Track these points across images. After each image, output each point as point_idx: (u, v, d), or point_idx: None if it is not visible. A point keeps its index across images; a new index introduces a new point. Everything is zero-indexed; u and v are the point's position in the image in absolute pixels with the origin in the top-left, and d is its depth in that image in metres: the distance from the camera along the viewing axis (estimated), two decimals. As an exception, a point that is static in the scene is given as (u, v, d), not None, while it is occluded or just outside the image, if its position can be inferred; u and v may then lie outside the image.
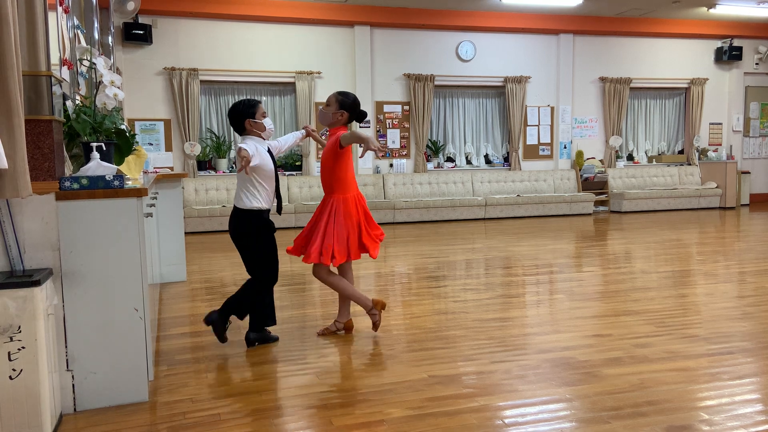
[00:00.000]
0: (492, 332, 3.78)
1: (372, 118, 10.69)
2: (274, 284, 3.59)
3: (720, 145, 12.43)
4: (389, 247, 7.79)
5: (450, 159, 11.37)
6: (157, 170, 7.20)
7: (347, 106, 3.64)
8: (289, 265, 6.47)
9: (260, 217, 3.46)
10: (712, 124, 12.45)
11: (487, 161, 11.54)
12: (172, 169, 9.74)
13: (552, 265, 6.19)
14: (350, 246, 3.56)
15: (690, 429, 2.41)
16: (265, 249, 3.47)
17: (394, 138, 10.88)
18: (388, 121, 10.84)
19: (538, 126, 11.57)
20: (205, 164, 10.09)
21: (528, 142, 11.54)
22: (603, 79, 11.67)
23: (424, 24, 10.57)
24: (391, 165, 10.88)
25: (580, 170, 11.55)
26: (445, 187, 10.86)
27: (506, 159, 11.56)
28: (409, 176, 10.76)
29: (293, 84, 10.30)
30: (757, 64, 12.37)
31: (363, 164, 10.67)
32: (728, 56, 11.97)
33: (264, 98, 10.43)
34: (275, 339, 3.68)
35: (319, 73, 10.34)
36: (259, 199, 3.44)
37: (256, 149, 3.37)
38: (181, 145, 9.80)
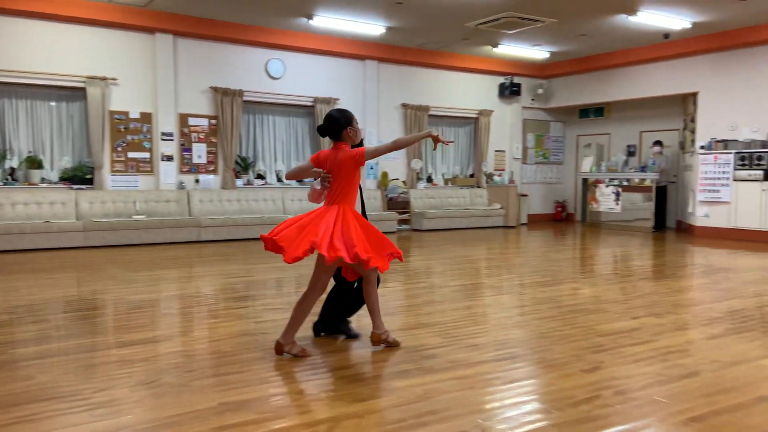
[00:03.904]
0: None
1: (175, 131, 10.16)
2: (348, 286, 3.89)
3: (503, 170, 13.88)
4: (194, 266, 7.43)
5: (260, 176, 11.22)
6: None
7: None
8: (77, 289, 5.84)
9: None
10: (497, 151, 13.87)
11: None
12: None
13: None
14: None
15: (465, 434, 2.59)
16: None
17: (200, 153, 10.44)
18: (193, 134, 10.39)
19: (346, 146, 11.89)
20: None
21: (337, 162, 11.80)
22: (405, 106, 12.41)
23: (232, 38, 10.36)
24: (197, 181, 10.43)
25: (385, 190, 12.10)
26: (255, 205, 10.67)
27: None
28: (216, 193, 10.39)
29: (83, 90, 9.42)
30: (533, 99, 14.07)
31: (165, 179, 10.08)
32: (509, 92, 13.46)
33: (53, 104, 9.40)
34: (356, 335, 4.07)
35: (114, 79, 9.59)
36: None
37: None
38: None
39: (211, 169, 10.56)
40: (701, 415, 2.82)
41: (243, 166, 11.01)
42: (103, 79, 9.45)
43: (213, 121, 10.52)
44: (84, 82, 9.36)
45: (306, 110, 11.56)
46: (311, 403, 2.91)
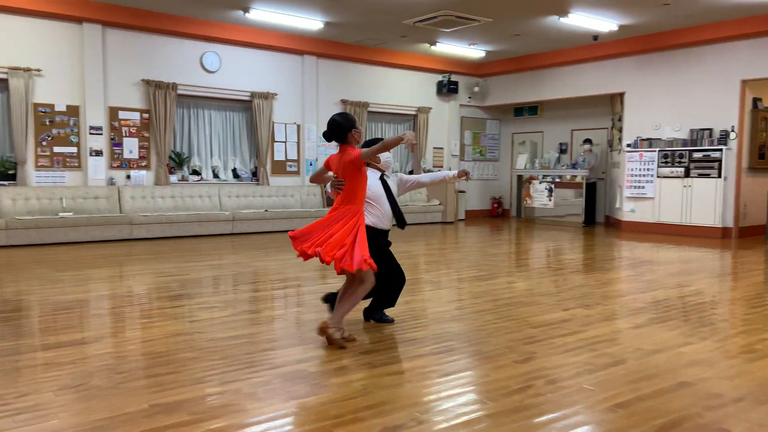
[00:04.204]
0: (226, 351, 3.68)
1: (105, 125, 9.78)
2: (372, 287, 3.80)
3: (442, 167, 14.07)
4: (125, 265, 7.18)
5: (195, 172, 10.95)
6: None
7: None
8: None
9: (371, 231, 3.91)
10: (435, 148, 14.05)
11: (235, 175, 11.38)
12: None
13: (297, 279, 6.30)
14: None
15: (402, 428, 2.62)
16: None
17: (131, 148, 10.09)
18: (124, 128, 10.03)
19: (285, 142, 11.78)
20: None
21: (276, 158, 11.68)
22: (344, 102, 12.38)
23: (165, 29, 10.05)
24: (128, 176, 10.07)
25: (324, 187, 12.03)
26: (190, 201, 10.40)
27: (254, 174, 11.53)
28: (149, 189, 10.06)
29: (5, 81, 8.93)
30: (469, 98, 14.32)
31: (94, 175, 9.68)
32: (447, 89, 13.66)
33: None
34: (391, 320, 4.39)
35: (39, 70, 9.13)
36: (369, 217, 3.99)
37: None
38: None
39: (144, 164, 10.22)
40: (626, 401, 2.96)
41: (177, 161, 10.71)
42: (27, 70, 8.98)
43: (145, 115, 10.18)
44: (6, 73, 8.87)
45: (243, 105, 11.36)
46: (247, 403, 2.87)
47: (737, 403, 2.95)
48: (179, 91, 10.43)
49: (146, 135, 10.21)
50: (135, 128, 10.11)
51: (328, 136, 3.80)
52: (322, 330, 3.76)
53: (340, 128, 3.75)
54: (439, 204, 13.08)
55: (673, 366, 3.52)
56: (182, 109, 10.79)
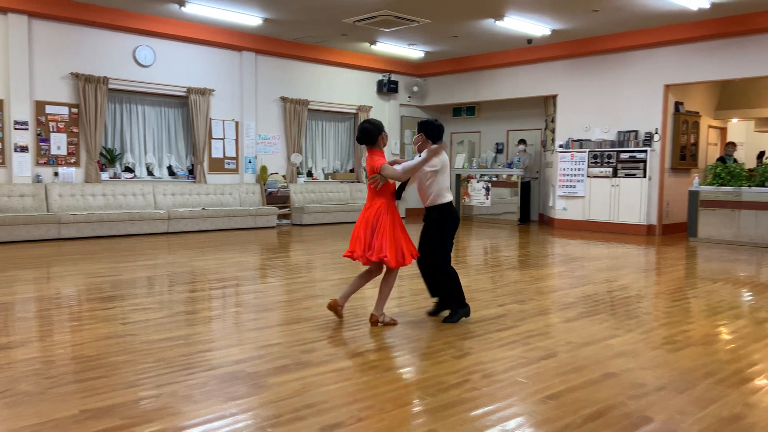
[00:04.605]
0: (161, 353, 3.60)
1: (30, 119, 9.32)
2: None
3: (384, 165, 14.13)
4: (54, 266, 6.88)
5: (129, 169, 10.60)
6: None
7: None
8: None
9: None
10: (376, 146, 14.10)
11: (171, 173, 11.08)
12: None
13: (234, 278, 6.21)
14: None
15: (342, 425, 2.64)
16: None
17: (59, 143, 9.66)
18: (51, 123, 9.59)
19: (223, 139, 11.57)
20: None
21: (213, 155, 11.45)
22: (284, 99, 12.27)
23: (96, 21, 9.67)
24: (56, 174, 9.64)
25: (264, 185, 11.90)
26: (123, 200, 10.06)
27: (191, 171, 11.27)
28: (79, 187, 9.67)
29: None
30: (409, 97, 14.46)
31: (19, 171, 9.23)
32: (387, 88, 13.75)
33: None
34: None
35: (-43, 61, 8.62)
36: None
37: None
38: None
39: (73, 161, 9.81)
40: (557, 392, 3.08)
41: (109, 158, 10.34)
42: (-58, 59, 8.47)
43: (74, 110, 9.77)
44: None
45: (179, 101, 11.07)
46: (182, 405, 2.83)
47: (659, 391, 3.12)
48: (111, 86, 10.06)
49: (75, 130, 9.80)
50: (63, 123, 9.69)
51: (360, 140, 4.31)
52: (374, 322, 4.30)
53: (370, 133, 4.26)
54: (380, 202, 13.13)
55: (600, 358, 3.69)
56: (114, 104, 10.41)
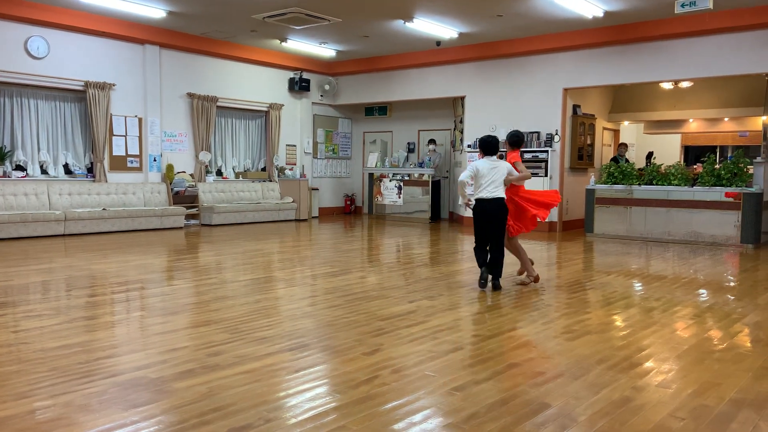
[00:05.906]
0: (56, 362, 3.40)
1: None
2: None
3: (295, 164, 14.03)
4: (-71, 274, 6.30)
5: (20, 167, 9.89)
6: None
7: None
8: None
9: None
10: (288, 145, 13.97)
11: (68, 171, 10.45)
12: None
13: (138, 281, 5.96)
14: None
15: (250, 427, 2.60)
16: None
17: (-62, 140, 8.86)
18: (-71, 118, 8.78)
19: (125, 136, 11.04)
20: None
21: (115, 153, 10.90)
22: (191, 95, 11.88)
23: (-20, 8, 8.96)
24: (-65, 172, 8.85)
25: (170, 184, 11.47)
26: (13, 200, 9.39)
27: (90, 170, 10.68)
28: (-39, 187, 8.92)
29: None
30: (321, 96, 14.41)
31: None
32: (299, 87, 13.63)
33: None
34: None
35: None
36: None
37: None
38: None
39: (-45, 158, 9.04)
40: (463, 384, 3.19)
41: (-3, 156, 9.60)
42: None
43: (-44, 103, 9.00)
44: None
45: (76, 95, 10.46)
46: (79, 415, 2.69)
47: (557, 379, 3.30)
48: (1, 79, 9.37)
49: (-43, 125, 9.03)
50: (-57, 117, 8.90)
51: (511, 145, 6.23)
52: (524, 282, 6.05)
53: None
54: (293, 201, 13.03)
55: (504, 349, 3.85)
56: (4, 98, 9.68)
